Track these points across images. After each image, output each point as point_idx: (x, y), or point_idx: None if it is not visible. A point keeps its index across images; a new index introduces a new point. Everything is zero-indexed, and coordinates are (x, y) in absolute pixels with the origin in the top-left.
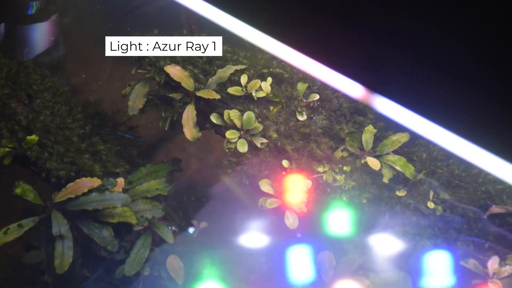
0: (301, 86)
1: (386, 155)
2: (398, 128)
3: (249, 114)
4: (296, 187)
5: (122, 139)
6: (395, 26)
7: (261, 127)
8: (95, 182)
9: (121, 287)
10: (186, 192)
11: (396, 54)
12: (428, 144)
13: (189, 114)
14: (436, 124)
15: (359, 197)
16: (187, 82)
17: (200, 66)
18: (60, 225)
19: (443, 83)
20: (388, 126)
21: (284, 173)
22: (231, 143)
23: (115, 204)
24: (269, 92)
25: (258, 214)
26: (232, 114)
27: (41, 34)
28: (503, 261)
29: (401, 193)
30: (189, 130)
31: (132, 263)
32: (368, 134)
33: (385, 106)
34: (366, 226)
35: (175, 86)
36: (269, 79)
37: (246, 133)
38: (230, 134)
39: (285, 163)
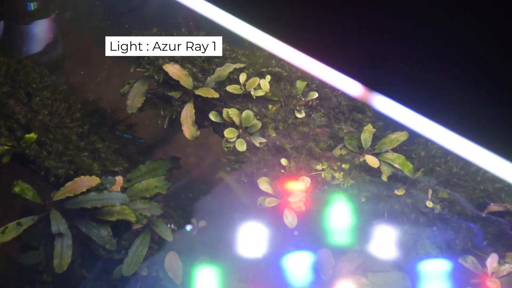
0: (300, 85)
1: (385, 153)
2: (396, 126)
3: (247, 113)
4: (294, 186)
5: (121, 137)
6: (394, 24)
7: (259, 125)
8: (94, 180)
9: (119, 287)
10: (185, 191)
11: (395, 53)
12: (426, 143)
13: (187, 113)
14: (435, 122)
15: (357, 196)
16: (185, 81)
17: (199, 65)
18: (59, 224)
19: (442, 82)
20: (386, 124)
21: (282, 171)
22: (229, 142)
23: (113, 203)
24: (268, 90)
25: (257, 212)
26: (231, 113)
27: (40, 33)
28: (502, 259)
29: (400, 191)
30: (188, 129)
31: (130, 262)
32: (367, 133)
33: (383, 104)
34: (365, 224)
35: (174, 84)
36: (268, 77)
37: (244, 131)
38: (228, 133)
39: (283, 161)
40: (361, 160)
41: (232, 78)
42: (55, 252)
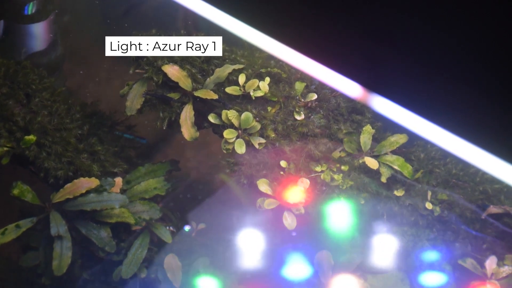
0: (299, 86)
1: (384, 155)
2: (395, 127)
3: (247, 114)
4: (294, 187)
5: (120, 139)
6: (393, 25)
7: (259, 127)
8: (93, 182)
9: None
10: (184, 192)
11: (395, 54)
12: (426, 145)
13: (187, 114)
14: (434, 123)
15: (357, 197)
16: (185, 82)
17: (198, 66)
18: (58, 226)
19: (442, 83)
20: (386, 126)
21: (282, 173)
22: (229, 143)
23: (113, 205)
24: (267, 91)
25: (256, 214)
26: (230, 114)
27: (39, 34)
28: (501, 261)
29: (399, 192)
30: (187, 130)
31: (130, 264)
32: (366, 134)
33: (383, 105)
34: (364, 226)
35: (173, 86)
36: (267, 79)
37: (244, 132)
38: (228, 134)
39: (283, 163)
40: (360, 162)
41: (231, 79)
42: (54, 254)
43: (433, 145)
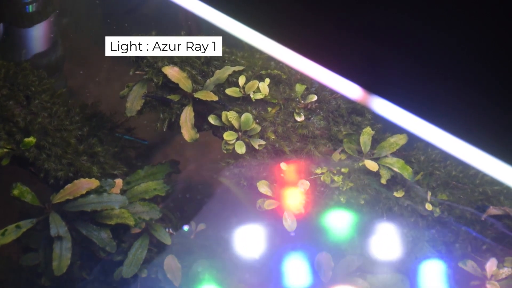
0: (299, 88)
1: (384, 158)
2: (395, 129)
3: (247, 116)
4: (294, 189)
5: (120, 140)
6: (393, 26)
7: (259, 128)
8: (93, 183)
9: None
10: (184, 194)
11: (395, 55)
12: (426, 147)
13: (187, 116)
14: (434, 125)
15: (357, 198)
16: (185, 84)
17: (198, 67)
18: (58, 227)
19: (441, 84)
20: (386, 128)
21: (282, 174)
22: (229, 144)
23: (113, 206)
24: (267, 93)
25: (256, 215)
26: (230, 116)
27: (39, 35)
28: (501, 263)
29: (399, 194)
30: (187, 132)
31: (130, 264)
32: (366, 136)
33: (383, 107)
34: (364, 227)
35: (173, 87)
36: (267, 80)
37: (244, 134)
38: (228, 136)
39: (283, 164)
40: (360, 164)
41: (231, 81)
42: (54, 254)
43: (433, 146)
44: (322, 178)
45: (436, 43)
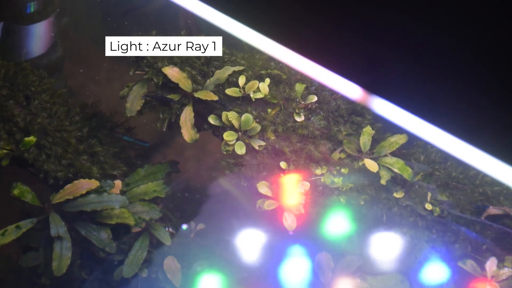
0: (299, 88)
1: (384, 157)
2: (395, 129)
3: (247, 116)
4: (294, 189)
5: (120, 141)
6: (393, 26)
7: (259, 128)
8: (93, 183)
9: None
10: (184, 194)
11: (395, 56)
12: (425, 146)
13: (187, 116)
14: (434, 125)
15: (357, 199)
16: (185, 84)
17: (198, 67)
18: (58, 227)
19: (441, 85)
20: (386, 127)
21: (282, 174)
22: (229, 145)
23: (113, 206)
24: (267, 93)
25: (256, 215)
26: (230, 116)
27: (39, 35)
28: (501, 263)
29: (398, 194)
30: (187, 132)
31: (130, 264)
32: (366, 135)
33: (383, 107)
34: (364, 227)
35: (173, 87)
36: (267, 80)
37: (244, 134)
38: (228, 136)
39: (283, 164)
40: (360, 164)
41: (231, 81)
42: (54, 254)
43: (433, 146)
44: (322, 179)
45: (436, 43)
